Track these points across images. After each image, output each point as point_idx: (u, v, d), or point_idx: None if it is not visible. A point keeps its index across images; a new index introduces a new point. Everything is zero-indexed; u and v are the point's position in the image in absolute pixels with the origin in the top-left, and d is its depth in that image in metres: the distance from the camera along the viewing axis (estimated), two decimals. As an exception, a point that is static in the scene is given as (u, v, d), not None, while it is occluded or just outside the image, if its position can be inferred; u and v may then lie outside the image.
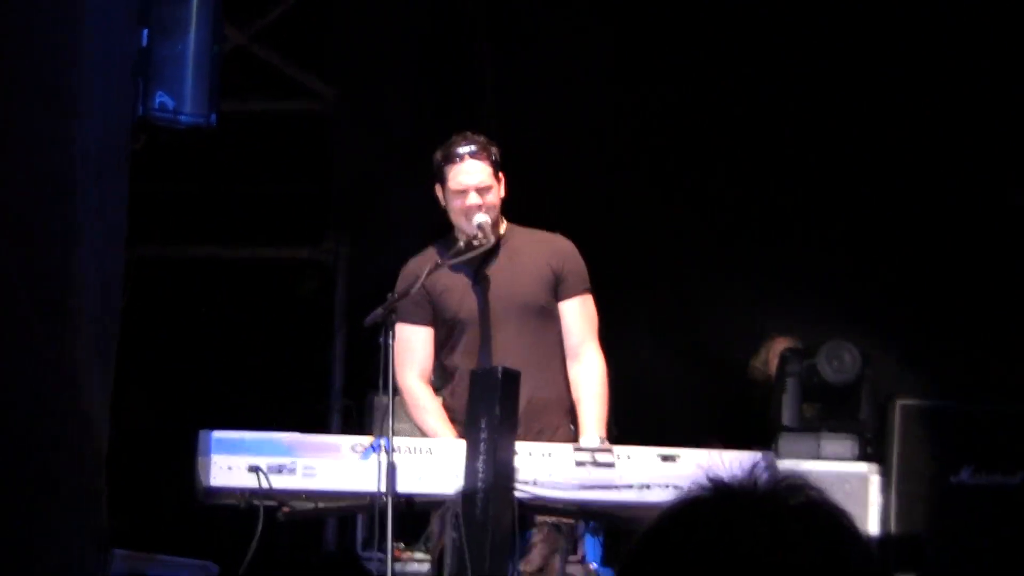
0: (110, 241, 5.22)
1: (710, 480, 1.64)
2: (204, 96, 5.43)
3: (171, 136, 5.59)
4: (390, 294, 5.67)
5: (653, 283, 7.81)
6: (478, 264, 5.93)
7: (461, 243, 5.87)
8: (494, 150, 5.93)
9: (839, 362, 7.36)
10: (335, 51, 8.57)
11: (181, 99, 5.38)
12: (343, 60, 8.58)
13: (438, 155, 5.95)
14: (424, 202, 8.09)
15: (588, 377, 5.87)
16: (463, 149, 5.90)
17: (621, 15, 8.06)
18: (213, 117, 5.48)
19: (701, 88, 8.05)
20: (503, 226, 5.98)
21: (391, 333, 5.55)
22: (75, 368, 5.02)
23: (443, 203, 5.96)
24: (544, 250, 5.97)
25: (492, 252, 5.95)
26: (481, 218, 5.87)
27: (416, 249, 6.08)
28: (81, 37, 5.11)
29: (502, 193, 5.94)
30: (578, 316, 5.92)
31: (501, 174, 5.94)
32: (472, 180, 5.88)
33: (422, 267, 5.84)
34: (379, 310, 5.61)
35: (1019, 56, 7.49)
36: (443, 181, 5.93)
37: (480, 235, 5.84)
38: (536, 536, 5.70)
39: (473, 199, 5.86)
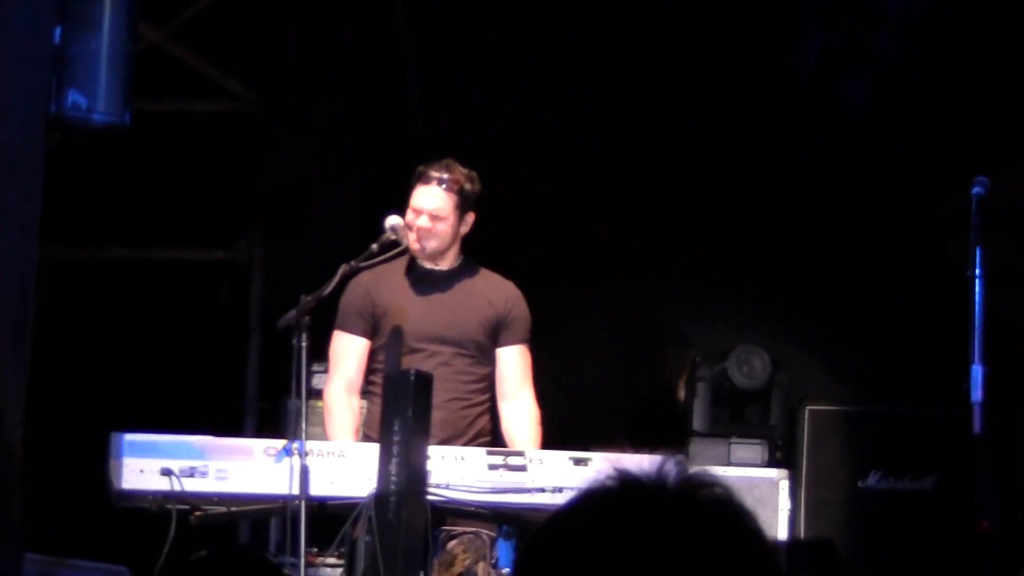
0: (24, 241, 5.18)
1: (618, 473, 1.65)
2: (118, 95, 5.39)
3: (88, 136, 5.54)
4: (303, 296, 5.67)
5: (574, 289, 7.84)
6: (426, 290, 5.98)
7: (375, 246, 5.91)
8: (469, 188, 5.98)
9: (749, 367, 7.42)
10: (257, 52, 8.53)
11: (94, 98, 5.34)
12: (265, 61, 8.54)
13: (415, 171, 6.02)
14: (344, 206, 8.11)
15: (522, 414, 6.00)
16: (435, 174, 5.98)
17: (553, 22, 8.08)
18: (127, 116, 5.45)
19: (628, 98, 8.09)
20: (458, 259, 6.05)
21: (304, 335, 5.56)
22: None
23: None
24: (492, 292, 6.06)
25: (441, 281, 5.99)
26: (394, 220, 5.91)
27: (332, 253, 6.09)
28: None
29: (464, 230, 6.02)
30: (517, 363, 6.03)
31: (471, 213, 6.01)
32: (428, 204, 5.95)
33: (374, 282, 5.89)
34: (292, 313, 5.62)
35: (941, 61, 7.57)
36: (409, 197, 5.98)
37: (391, 235, 5.88)
38: (457, 546, 5.72)
39: (422, 221, 5.93)
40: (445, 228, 5.98)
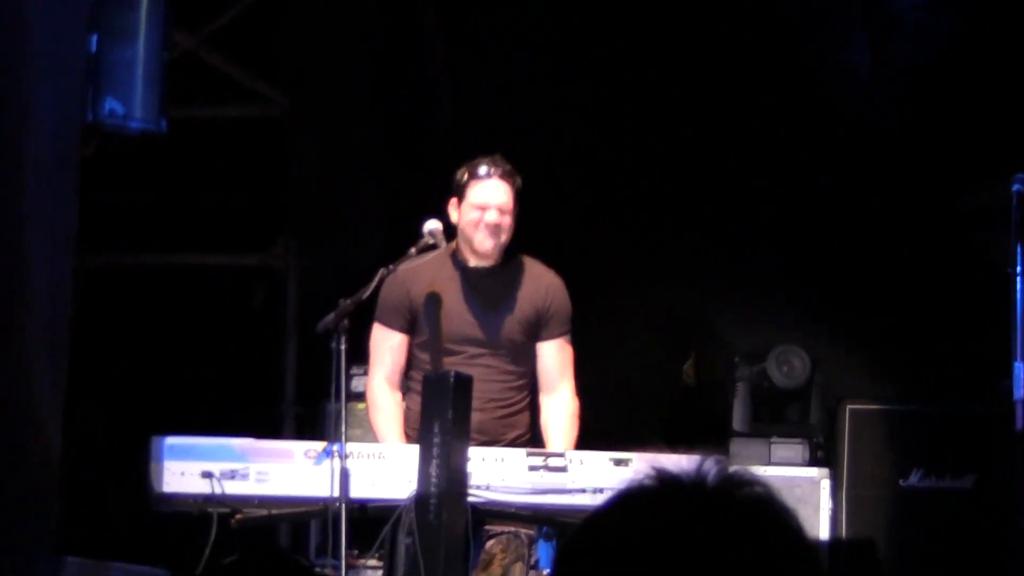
0: (59, 247, 5.20)
1: (657, 472, 1.64)
2: (154, 102, 5.41)
3: (121, 143, 5.57)
4: (341, 300, 5.67)
5: (612, 289, 7.82)
6: (466, 290, 5.96)
7: (413, 249, 5.89)
8: (519, 180, 5.98)
9: (789, 367, 7.39)
10: (288, 57, 8.55)
11: (131, 105, 5.36)
12: (296, 66, 8.55)
13: (463, 172, 5.99)
14: (376, 209, 8.12)
15: (560, 409, 5.97)
16: (493, 169, 5.95)
17: (582, 18, 8.07)
18: (163, 123, 5.47)
19: (647, 95, 8.07)
20: (502, 254, 6.01)
21: (343, 339, 5.56)
22: (25, 372, 5.00)
23: (455, 219, 6.00)
24: (532, 288, 6.01)
25: (482, 279, 5.97)
26: (432, 224, 5.90)
27: (365, 255, 6.09)
28: (30, 42, 5.08)
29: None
30: (557, 357, 6.00)
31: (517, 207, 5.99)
32: (496, 199, 5.92)
33: (413, 279, 5.88)
34: (330, 316, 5.62)
35: (967, 63, 7.54)
36: (462, 196, 5.95)
37: (430, 240, 5.87)
38: (495, 546, 5.72)
39: (491, 216, 5.91)
40: (510, 221, 5.96)
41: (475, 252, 5.97)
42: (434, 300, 5.97)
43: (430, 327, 5.95)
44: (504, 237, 5.95)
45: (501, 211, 5.92)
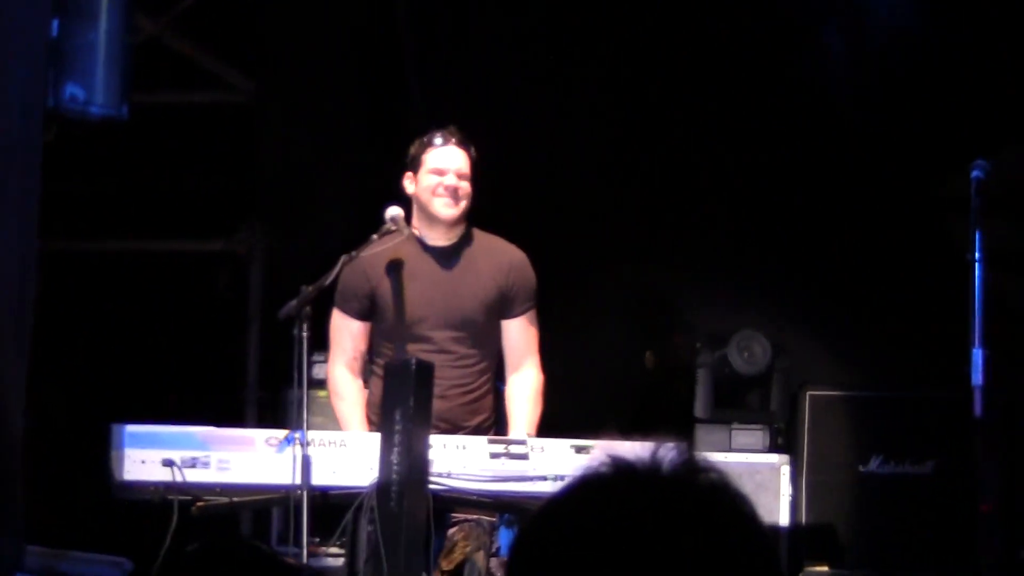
0: (22, 231, 5.19)
1: (612, 460, 1.65)
2: (116, 87, 5.39)
3: (84, 128, 5.54)
4: (304, 286, 5.66)
5: (576, 275, 7.83)
6: (427, 272, 5.94)
7: (374, 236, 5.88)
8: (473, 150, 5.97)
9: (750, 353, 7.41)
10: (254, 42, 8.52)
11: (92, 90, 5.34)
12: (263, 51, 8.53)
13: (416, 143, 5.98)
14: (343, 195, 8.11)
15: (525, 386, 5.96)
16: (448, 136, 5.94)
17: (553, 10, 8.06)
18: (125, 109, 5.45)
19: (614, 77, 8.08)
20: (461, 231, 6.00)
21: (305, 325, 5.55)
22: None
23: (411, 191, 5.97)
24: (494, 266, 5.98)
25: (443, 259, 5.96)
26: (394, 210, 5.89)
27: (331, 242, 6.08)
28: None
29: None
30: (522, 334, 5.99)
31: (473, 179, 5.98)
32: (453, 163, 5.91)
33: (373, 265, 5.86)
34: (293, 302, 5.61)
35: (942, 43, 7.56)
36: (418, 166, 5.94)
37: (392, 226, 5.86)
38: (458, 533, 5.72)
39: (450, 179, 5.89)
40: (468, 188, 5.94)
41: (435, 221, 5.94)
42: (395, 283, 5.95)
43: (393, 310, 5.94)
44: (464, 204, 5.93)
45: (459, 175, 5.91)
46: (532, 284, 6.01)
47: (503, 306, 5.97)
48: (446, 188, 5.91)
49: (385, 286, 5.95)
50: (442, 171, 5.91)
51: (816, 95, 7.73)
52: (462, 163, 5.93)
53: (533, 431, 5.86)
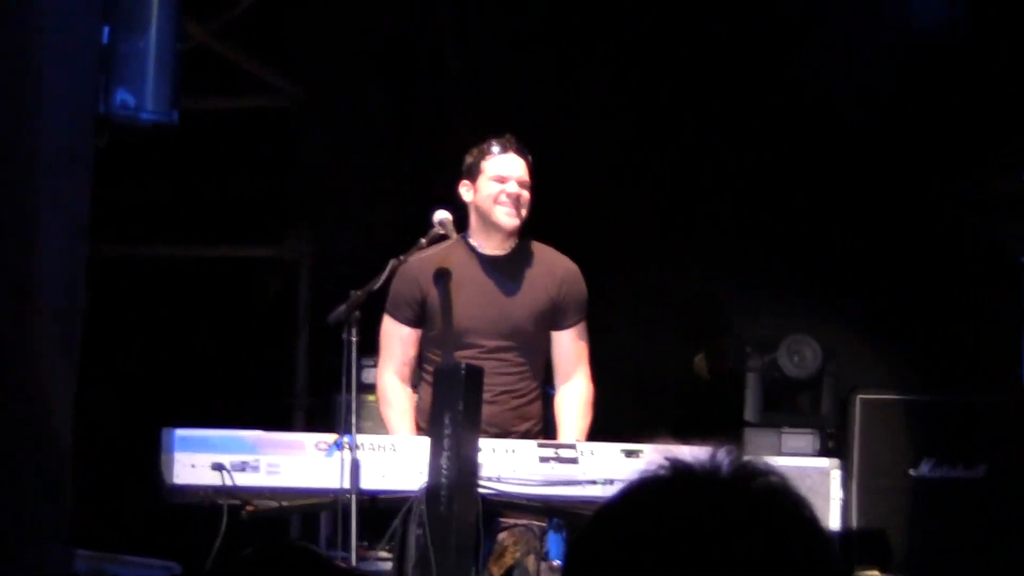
0: (72, 237, 5.21)
1: (671, 462, 1.64)
2: (166, 93, 5.42)
3: (134, 134, 5.57)
4: (353, 291, 5.67)
5: (624, 280, 7.82)
6: (478, 281, 5.94)
7: (423, 240, 5.87)
8: (530, 158, 5.97)
9: (800, 357, 7.39)
10: (300, 48, 8.54)
11: (142, 97, 5.37)
12: (308, 56, 8.55)
13: (474, 151, 5.97)
14: (388, 200, 8.12)
15: (575, 396, 5.95)
16: (507, 144, 5.94)
17: (592, 18, 8.06)
18: (175, 115, 5.47)
19: (658, 82, 8.07)
20: (516, 241, 5.99)
21: (354, 330, 5.56)
22: (37, 362, 5.01)
23: (469, 199, 5.97)
24: (546, 277, 5.96)
25: (496, 269, 5.95)
26: (442, 214, 5.88)
27: (378, 247, 6.08)
28: (43, 33, 5.09)
29: None
30: (573, 346, 5.98)
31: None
32: (516, 171, 5.91)
33: (425, 271, 5.86)
34: (342, 307, 5.62)
35: (977, 50, 7.52)
36: (476, 174, 5.93)
37: (440, 230, 5.86)
38: (508, 538, 5.71)
39: (513, 187, 5.88)
40: (528, 196, 5.93)
41: (495, 231, 5.92)
42: (444, 276, 5.94)
43: (442, 317, 5.93)
44: (524, 212, 5.93)
45: (520, 183, 5.91)
46: (584, 296, 6.00)
47: (554, 317, 5.96)
48: (508, 196, 5.90)
49: (435, 293, 5.95)
50: (504, 179, 5.91)
51: (869, 97, 7.70)
52: (523, 171, 5.92)
53: (583, 439, 5.84)
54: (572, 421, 5.90)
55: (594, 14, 8.08)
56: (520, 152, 5.94)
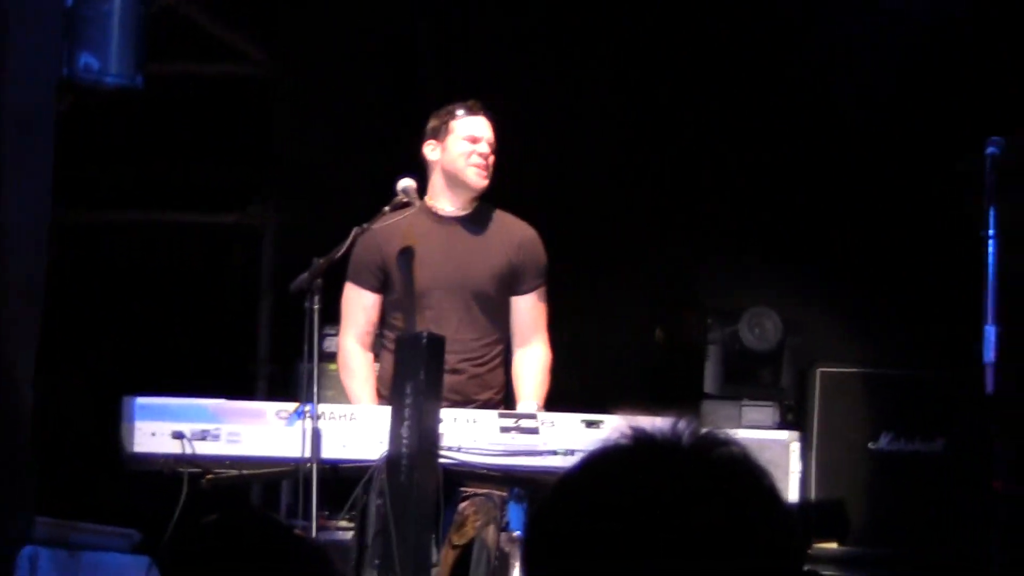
0: (36, 200, 5.19)
1: (632, 432, 1.64)
2: (130, 57, 5.38)
3: (98, 98, 5.54)
4: (315, 259, 5.65)
5: (586, 251, 7.82)
6: (438, 242, 5.93)
7: (387, 208, 5.87)
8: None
9: (761, 329, 7.41)
10: (271, 14, 8.50)
11: (106, 60, 5.33)
12: (279, 23, 8.51)
13: (442, 112, 5.96)
14: (354, 169, 8.09)
15: (532, 361, 5.96)
16: (476, 106, 5.96)
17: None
18: (139, 79, 5.44)
19: (625, 56, 8.06)
20: (476, 202, 6.00)
21: (316, 298, 5.55)
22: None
23: (435, 158, 5.95)
24: (506, 240, 5.98)
25: (456, 228, 5.95)
26: (407, 182, 5.87)
27: (344, 216, 6.06)
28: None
29: None
30: (531, 311, 6.00)
31: None
32: (485, 133, 5.92)
33: (386, 237, 5.85)
34: (304, 275, 5.61)
35: (959, 20, 7.53)
36: (444, 134, 5.93)
37: (403, 198, 5.85)
38: (468, 508, 5.72)
39: (484, 148, 5.90)
40: (493, 160, 5.97)
41: (463, 190, 5.93)
42: (407, 253, 5.94)
43: (403, 280, 5.92)
44: (489, 173, 5.95)
45: (490, 145, 5.94)
46: (543, 261, 6.02)
47: (512, 281, 5.97)
48: (480, 156, 5.91)
49: (396, 258, 5.94)
50: (476, 139, 5.93)
51: (831, 71, 7.71)
52: (491, 133, 5.95)
53: (540, 405, 5.85)
54: (530, 386, 5.91)
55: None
56: (488, 115, 5.96)
